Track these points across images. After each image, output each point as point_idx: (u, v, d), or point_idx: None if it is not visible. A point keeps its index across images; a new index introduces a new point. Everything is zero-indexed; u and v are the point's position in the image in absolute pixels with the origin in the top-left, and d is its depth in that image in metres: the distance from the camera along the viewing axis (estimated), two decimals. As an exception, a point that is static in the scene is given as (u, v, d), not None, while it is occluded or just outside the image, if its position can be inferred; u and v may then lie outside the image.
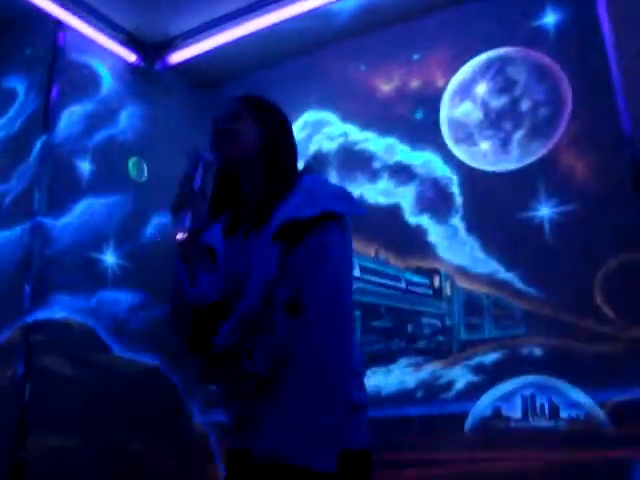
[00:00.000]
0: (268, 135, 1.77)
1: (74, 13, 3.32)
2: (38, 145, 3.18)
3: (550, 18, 3.11)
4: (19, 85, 3.41)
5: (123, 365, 3.28)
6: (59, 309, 3.04)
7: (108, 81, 3.55)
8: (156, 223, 3.62)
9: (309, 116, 3.60)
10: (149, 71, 3.73)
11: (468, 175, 3.14)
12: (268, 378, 1.53)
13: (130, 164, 3.56)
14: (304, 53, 3.69)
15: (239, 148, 1.73)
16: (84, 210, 3.26)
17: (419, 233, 3.16)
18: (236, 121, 1.76)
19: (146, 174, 3.64)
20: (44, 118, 3.22)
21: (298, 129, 3.67)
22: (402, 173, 3.32)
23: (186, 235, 1.66)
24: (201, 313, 1.67)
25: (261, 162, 1.74)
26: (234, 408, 1.69)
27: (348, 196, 1.69)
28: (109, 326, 3.25)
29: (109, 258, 3.34)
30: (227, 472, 1.74)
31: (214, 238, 1.74)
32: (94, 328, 3.18)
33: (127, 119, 3.61)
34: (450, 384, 2.93)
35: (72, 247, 3.17)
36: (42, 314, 2.97)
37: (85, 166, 3.32)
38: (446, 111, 3.29)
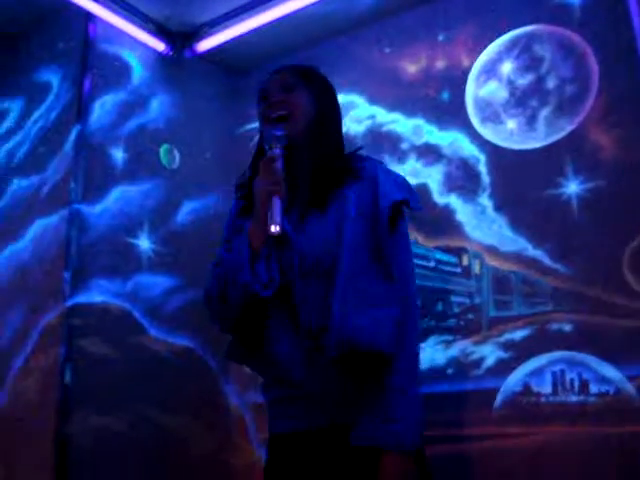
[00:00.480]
0: (321, 108, 1.70)
1: (103, 5, 3.39)
2: (73, 135, 3.26)
3: (575, -6, 3.10)
4: (53, 78, 3.50)
5: (159, 347, 3.37)
6: (97, 293, 3.13)
7: (138, 71, 3.62)
8: (188, 209, 3.70)
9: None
10: (178, 60, 3.79)
11: (495, 154, 3.15)
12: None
13: (162, 151, 3.64)
14: (330, 37, 3.72)
15: (297, 122, 1.66)
16: (118, 197, 3.34)
17: (447, 213, 3.19)
18: (290, 91, 1.69)
19: (177, 161, 3.71)
20: (78, 109, 3.30)
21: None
22: (429, 154, 3.34)
23: (281, 229, 1.52)
24: (251, 303, 1.63)
25: (313, 138, 1.67)
26: (292, 389, 1.64)
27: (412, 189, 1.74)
28: (145, 309, 3.34)
29: (144, 243, 3.43)
30: (274, 456, 1.70)
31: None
32: (131, 311, 3.27)
33: (158, 107, 3.68)
34: (480, 361, 2.96)
35: (108, 233, 3.26)
36: (81, 298, 3.07)
37: (118, 154, 3.40)
38: (472, 91, 3.30)
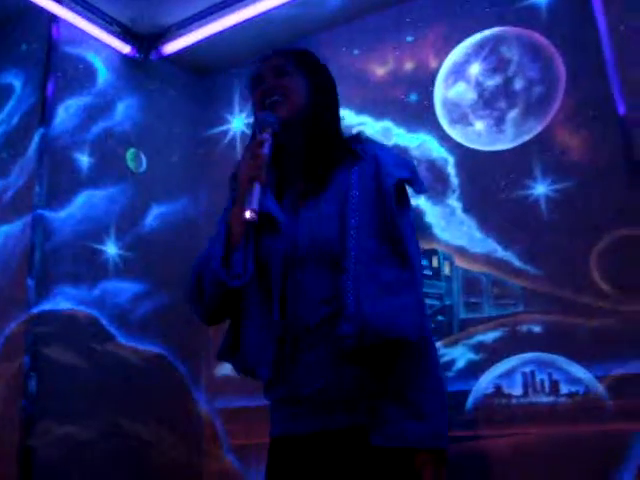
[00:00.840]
0: (316, 91, 1.65)
1: (67, 6, 3.33)
2: (36, 139, 3.19)
3: (541, -4, 3.12)
4: (16, 80, 3.43)
5: (128, 354, 3.32)
6: (63, 300, 3.07)
7: (103, 73, 3.57)
8: (156, 213, 3.65)
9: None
10: (144, 62, 3.73)
11: (464, 155, 3.16)
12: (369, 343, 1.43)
13: (128, 155, 3.58)
14: (298, 39, 3.69)
15: (290, 106, 1.60)
16: (84, 202, 3.28)
17: (417, 214, 3.18)
18: (283, 76, 1.63)
19: (144, 165, 3.66)
20: (41, 112, 3.24)
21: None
22: (398, 156, 3.32)
23: (256, 215, 1.44)
24: (223, 293, 1.54)
25: (308, 122, 1.62)
26: (298, 387, 1.52)
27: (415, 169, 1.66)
28: (113, 316, 3.29)
29: (110, 249, 3.37)
30: (276, 461, 1.59)
31: (270, 205, 1.57)
32: (98, 318, 3.21)
33: (124, 111, 3.63)
34: (451, 363, 2.96)
35: (73, 239, 3.20)
36: (46, 306, 3.00)
37: (84, 159, 3.34)
38: (440, 92, 3.30)
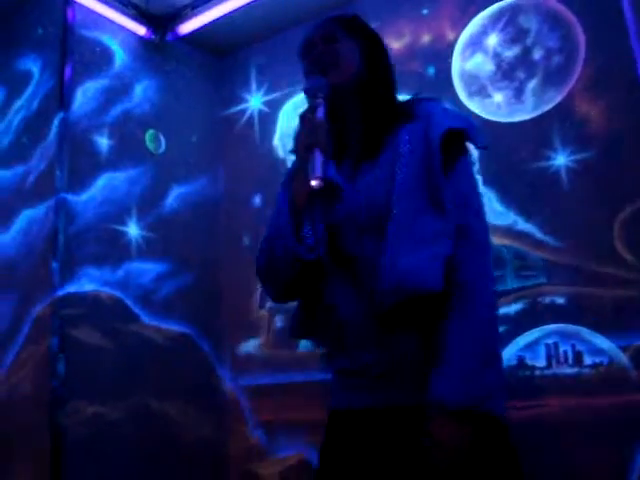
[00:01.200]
0: (369, 57, 1.60)
1: (80, -12, 3.34)
2: (56, 123, 3.22)
3: (559, -37, 3.07)
4: (33, 66, 3.45)
5: (153, 334, 3.36)
6: (87, 282, 3.12)
7: (120, 56, 3.58)
8: (176, 194, 3.68)
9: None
10: (160, 43, 3.74)
11: (483, 128, 3.11)
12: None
13: (147, 137, 3.60)
14: (314, 17, 3.64)
15: (342, 71, 1.56)
16: (105, 185, 3.31)
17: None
18: (334, 42, 1.59)
19: (163, 146, 3.68)
20: (60, 97, 3.26)
21: (311, 92, 3.67)
22: (417, 130, 3.30)
23: (322, 182, 1.38)
24: (301, 269, 1.47)
25: (362, 88, 1.57)
26: (354, 359, 1.46)
27: (474, 123, 1.54)
28: (137, 296, 3.33)
29: (132, 230, 3.40)
30: (334, 435, 1.52)
31: (331, 172, 1.49)
32: (122, 299, 3.26)
33: (141, 92, 3.64)
34: (474, 336, 2.95)
35: (96, 221, 3.24)
36: (71, 288, 3.05)
37: (103, 141, 3.37)
38: (458, 65, 3.27)
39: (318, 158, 1.40)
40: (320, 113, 1.47)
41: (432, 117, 1.47)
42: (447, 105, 1.63)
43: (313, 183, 1.38)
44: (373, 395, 1.43)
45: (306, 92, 1.54)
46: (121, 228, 3.35)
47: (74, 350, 2.98)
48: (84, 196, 3.21)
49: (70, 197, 3.14)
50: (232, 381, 3.70)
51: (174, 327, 3.48)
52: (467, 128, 1.48)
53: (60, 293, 2.99)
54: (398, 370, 1.41)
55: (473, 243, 1.40)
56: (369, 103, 1.56)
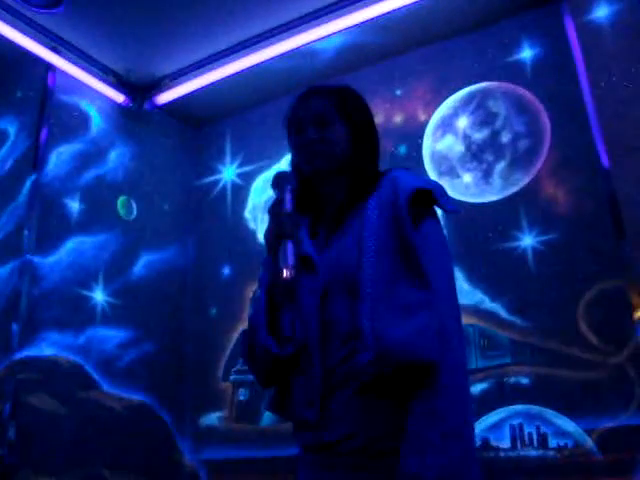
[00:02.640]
0: (358, 141, 1.59)
1: (64, 56, 3.40)
2: (28, 185, 3.22)
3: (526, 53, 3.19)
4: (10, 126, 3.47)
5: (112, 402, 3.27)
6: (47, 346, 3.05)
7: (97, 122, 3.61)
8: (145, 261, 3.66)
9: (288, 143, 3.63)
10: (138, 111, 3.80)
11: (452, 207, 3.17)
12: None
13: (119, 203, 3.60)
14: (289, 92, 3.74)
15: (330, 159, 1.55)
16: (73, 248, 3.29)
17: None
18: (325, 126, 1.57)
19: (135, 212, 3.67)
20: (34, 158, 3.27)
21: (285, 166, 3.72)
22: (388, 207, 3.34)
23: (293, 271, 1.40)
24: (277, 361, 1.47)
25: (348, 169, 1.56)
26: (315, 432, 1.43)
27: (442, 187, 1.53)
28: (98, 363, 3.25)
29: (98, 295, 3.36)
30: None
31: (306, 247, 1.51)
32: (82, 365, 3.18)
33: (116, 158, 3.66)
34: (438, 415, 2.91)
35: (61, 285, 3.19)
36: (30, 351, 2.97)
37: (74, 205, 3.36)
38: (429, 145, 3.35)
39: (289, 247, 1.42)
40: (287, 205, 1.48)
41: (398, 180, 1.47)
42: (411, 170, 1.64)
43: (284, 274, 1.39)
44: (343, 472, 1.39)
45: (273, 185, 1.54)
46: (86, 293, 3.31)
47: (27, 417, 2.89)
48: (51, 258, 3.17)
49: (37, 259, 3.11)
50: (192, 454, 3.59)
51: (134, 396, 3.39)
52: (434, 189, 1.47)
53: (18, 356, 2.92)
54: (370, 447, 1.37)
55: (448, 316, 1.40)
56: (352, 180, 1.56)
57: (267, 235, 1.49)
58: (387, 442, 1.35)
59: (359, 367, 1.35)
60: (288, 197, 1.50)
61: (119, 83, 3.68)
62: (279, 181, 1.52)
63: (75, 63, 3.47)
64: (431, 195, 1.47)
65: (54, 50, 3.36)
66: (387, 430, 1.36)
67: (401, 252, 1.41)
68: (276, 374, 1.52)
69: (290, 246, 1.42)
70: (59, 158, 3.35)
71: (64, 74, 3.45)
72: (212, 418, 3.60)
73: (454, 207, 1.51)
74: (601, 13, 2.58)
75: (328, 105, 1.59)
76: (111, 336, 3.37)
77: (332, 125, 1.57)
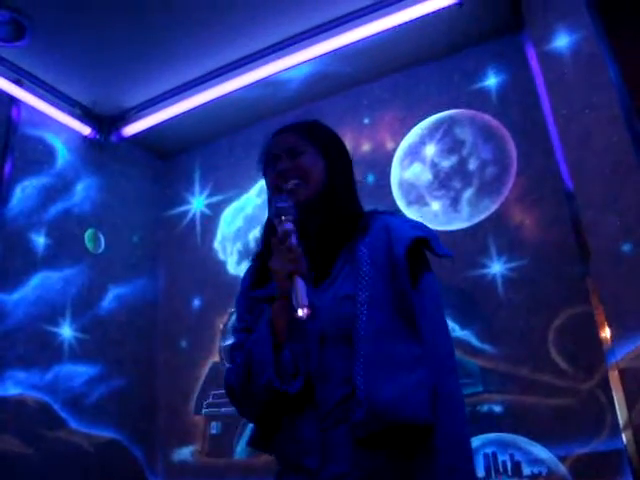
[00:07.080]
0: (333, 168, 1.58)
1: (27, 89, 3.36)
2: (-9, 220, 3.17)
3: (491, 80, 3.23)
4: (-27, 162, 3.42)
5: (80, 440, 3.20)
6: (12, 385, 2.97)
7: (63, 154, 3.57)
8: (113, 295, 3.60)
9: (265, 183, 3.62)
10: (104, 143, 3.76)
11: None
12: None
13: (86, 236, 3.55)
14: (255, 122, 3.75)
15: (309, 188, 1.53)
16: (39, 284, 3.23)
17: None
18: (297, 156, 1.56)
19: (103, 245, 3.63)
20: (-3, 193, 3.22)
21: (254, 196, 3.71)
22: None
23: (309, 310, 1.32)
24: (279, 399, 1.43)
25: (325, 201, 1.53)
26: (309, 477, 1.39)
27: (433, 231, 1.54)
28: (66, 400, 3.18)
29: (65, 331, 3.30)
30: None
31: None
32: (50, 403, 3.11)
33: (83, 191, 3.62)
34: (412, 445, 2.89)
35: (26, 321, 3.13)
36: (-6, 392, 2.91)
37: (40, 239, 3.31)
38: (397, 173, 3.35)
39: (302, 286, 1.36)
40: (294, 239, 1.43)
41: (391, 229, 1.46)
42: (402, 214, 1.61)
43: (300, 313, 1.32)
44: None
45: (275, 215, 1.49)
46: (53, 329, 3.24)
47: (-9, 459, 2.81)
48: (15, 295, 3.11)
49: (1, 296, 3.04)
50: (164, 491, 3.53)
51: (104, 433, 3.33)
52: (429, 238, 1.48)
53: (-19, 397, 2.85)
54: None
55: (446, 373, 1.40)
56: (330, 217, 1.53)
57: (275, 270, 1.44)
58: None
59: (352, 424, 1.34)
60: (294, 231, 1.45)
61: (85, 115, 3.65)
62: (281, 212, 1.47)
63: (40, 96, 3.43)
64: (427, 243, 1.47)
65: (17, 83, 3.32)
66: (381, 471, 1.34)
67: (397, 306, 1.40)
68: (274, 411, 1.48)
69: (302, 284, 1.37)
70: (24, 192, 3.30)
71: (28, 107, 3.41)
72: (184, 453, 3.55)
73: (447, 252, 1.51)
74: (561, 43, 2.61)
75: (299, 137, 1.59)
76: (80, 372, 3.30)
77: (305, 154, 1.56)
